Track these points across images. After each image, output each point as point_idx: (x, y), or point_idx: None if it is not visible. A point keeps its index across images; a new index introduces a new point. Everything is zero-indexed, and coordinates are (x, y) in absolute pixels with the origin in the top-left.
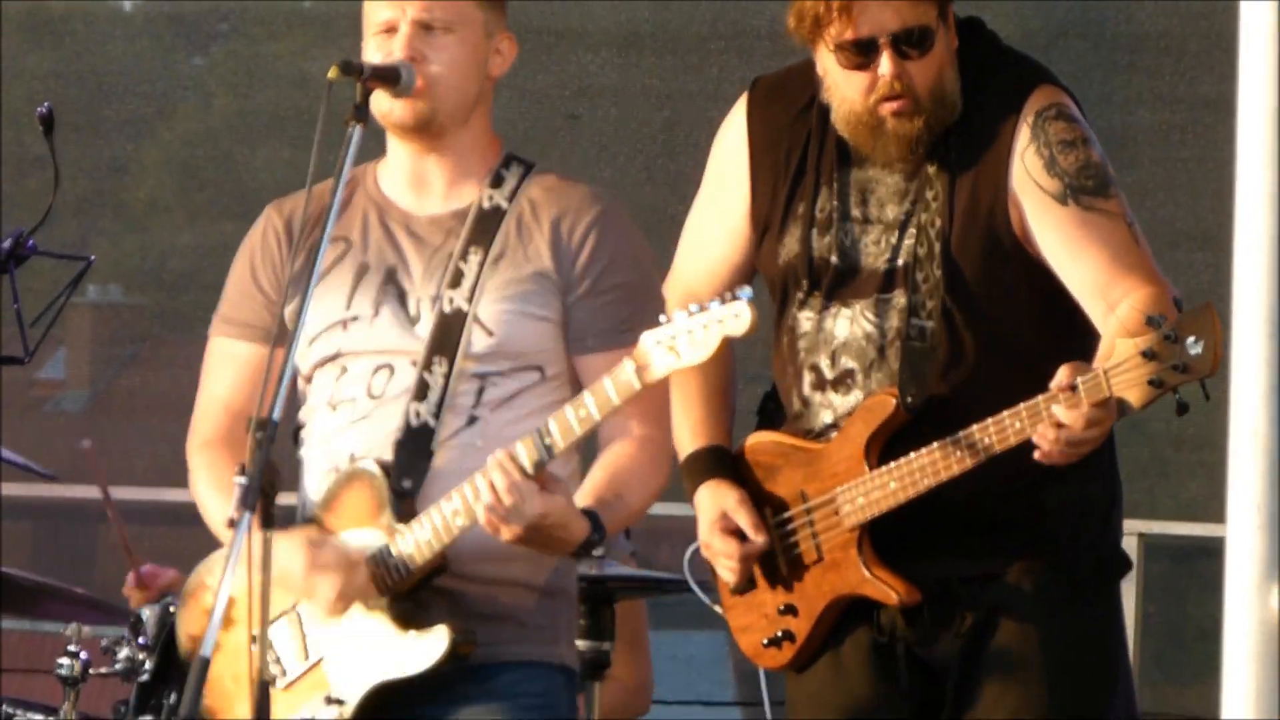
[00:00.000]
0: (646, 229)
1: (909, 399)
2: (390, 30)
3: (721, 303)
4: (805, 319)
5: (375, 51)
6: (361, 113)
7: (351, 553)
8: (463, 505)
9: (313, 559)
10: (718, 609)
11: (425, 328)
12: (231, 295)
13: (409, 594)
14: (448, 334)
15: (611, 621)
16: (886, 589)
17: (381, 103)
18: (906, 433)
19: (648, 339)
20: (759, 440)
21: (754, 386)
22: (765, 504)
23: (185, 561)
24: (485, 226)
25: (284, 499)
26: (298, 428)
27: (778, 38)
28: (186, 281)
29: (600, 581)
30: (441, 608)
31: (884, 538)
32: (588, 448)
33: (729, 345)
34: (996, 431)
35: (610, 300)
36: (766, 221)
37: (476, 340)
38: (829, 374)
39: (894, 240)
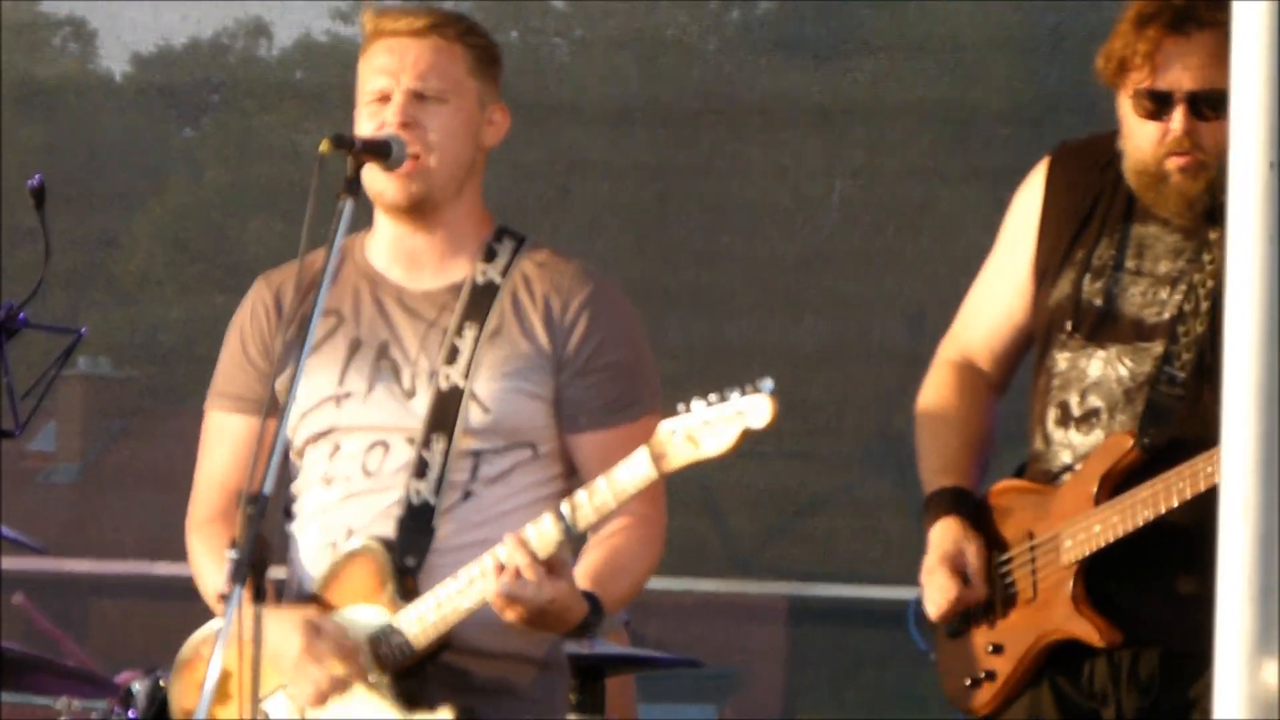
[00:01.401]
0: (638, 302)
1: (1146, 440)
2: (384, 99)
3: (742, 394)
4: (1063, 359)
5: (368, 120)
6: (353, 186)
7: (351, 633)
8: (468, 586)
9: (308, 645)
10: (932, 656)
11: (421, 403)
12: (224, 369)
13: (411, 672)
14: (445, 411)
15: (602, 695)
16: (1089, 628)
17: (375, 182)
18: (1139, 478)
19: (665, 428)
20: (1002, 485)
21: (1012, 446)
22: (993, 546)
23: (176, 635)
24: (480, 301)
25: (275, 572)
26: (289, 502)
27: (769, 111)
28: (177, 354)
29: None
30: (443, 684)
31: (1111, 585)
32: None
33: (993, 400)
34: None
35: (602, 379)
36: (1045, 268)
37: (473, 417)
38: (1075, 411)
39: (1162, 295)
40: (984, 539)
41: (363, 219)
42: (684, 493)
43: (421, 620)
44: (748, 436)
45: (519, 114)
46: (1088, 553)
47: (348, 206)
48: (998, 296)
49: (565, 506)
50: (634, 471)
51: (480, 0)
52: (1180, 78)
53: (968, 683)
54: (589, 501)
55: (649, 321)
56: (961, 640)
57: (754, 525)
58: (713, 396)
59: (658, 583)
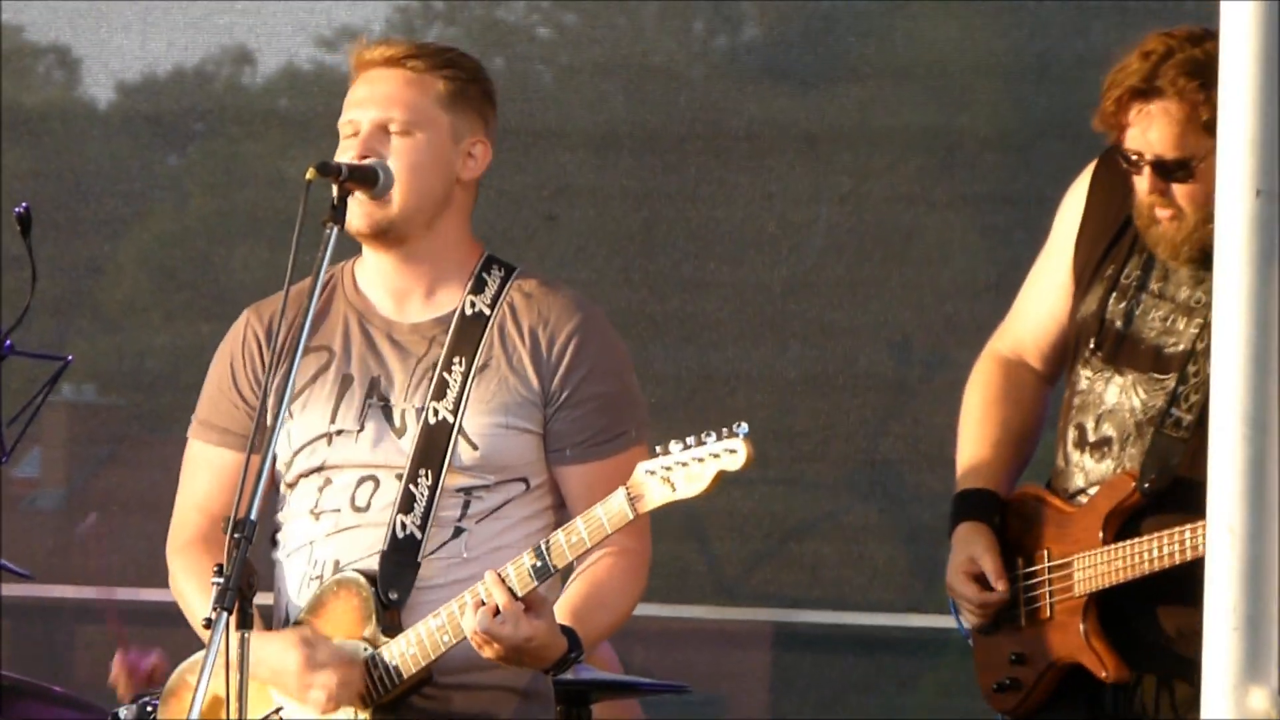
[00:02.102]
0: (624, 329)
1: (1146, 485)
2: (355, 133)
3: (719, 438)
4: (1084, 377)
5: (340, 154)
6: (339, 213)
7: (345, 653)
8: (449, 623)
9: (308, 657)
10: (970, 641)
11: (410, 439)
12: (211, 398)
13: (391, 705)
14: (433, 446)
15: None
16: (1098, 662)
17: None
18: (1148, 512)
19: (642, 470)
20: (1024, 491)
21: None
22: (1018, 553)
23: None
24: (468, 335)
25: (261, 599)
26: (274, 530)
27: (755, 138)
28: (162, 382)
29: (602, 687)
30: (421, 713)
31: (1123, 617)
32: None
33: (1042, 392)
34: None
35: (588, 411)
36: (1080, 275)
37: (462, 453)
38: (1091, 436)
39: (1180, 325)
40: (1001, 542)
41: (351, 245)
42: (670, 519)
43: (403, 655)
44: (723, 479)
45: (505, 140)
46: (1098, 588)
47: (333, 233)
48: (1044, 295)
49: (542, 546)
50: (610, 512)
51: (466, 26)
52: (1142, 144)
53: (995, 687)
54: (565, 541)
55: (635, 348)
56: (992, 639)
57: (739, 551)
58: (690, 439)
59: (643, 609)
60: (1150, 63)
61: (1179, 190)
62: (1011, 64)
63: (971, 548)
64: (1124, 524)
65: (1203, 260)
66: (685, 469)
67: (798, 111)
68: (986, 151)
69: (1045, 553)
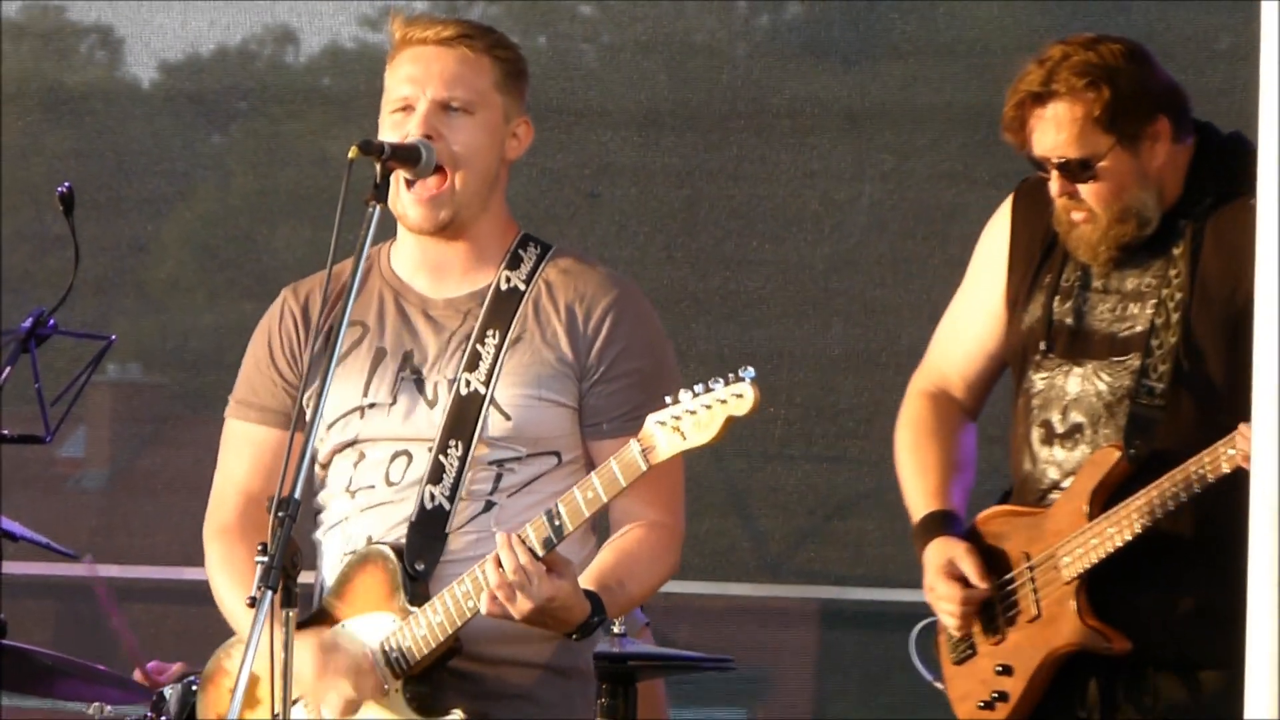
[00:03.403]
0: (666, 307)
1: (1133, 451)
2: (407, 108)
3: (726, 383)
4: (1039, 379)
5: (391, 130)
6: (381, 192)
7: (361, 650)
8: (474, 589)
9: (323, 664)
10: (939, 685)
11: (442, 410)
12: (248, 377)
13: (423, 677)
14: (464, 417)
15: (633, 702)
16: (1100, 637)
17: (399, 205)
18: (1128, 489)
19: (652, 420)
20: (990, 512)
21: (989, 447)
22: (991, 570)
23: (205, 641)
24: (503, 308)
25: (304, 578)
26: (316, 512)
27: (797, 115)
28: (206, 361)
29: (647, 662)
30: (455, 690)
31: (1105, 596)
32: (604, 527)
33: (969, 427)
34: (1210, 461)
35: (624, 386)
36: (1016, 296)
37: (493, 424)
38: (1059, 428)
39: (1133, 310)
40: (978, 553)
41: (390, 226)
42: (713, 496)
43: (429, 624)
44: (733, 424)
45: (547, 119)
46: (1087, 566)
47: (376, 212)
48: (970, 326)
49: (557, 504)
50: (624, 464)
51: (508, 4)
52: (1045, 148)
53: (980, 705)
54: (581, 498)
55: (677, 326)
56: (969, 665)
57: (783, 529)
58: (698, 387)
59: (688, 586)
60: (1046, 68)
61: (1086, 190)
62: (1053, 40)
63: (950, 552)
64: (1109, 500)
65: (1137, 253)
66: (694, 417)
67: (840, 89)
68: None
69: (1024, 555)
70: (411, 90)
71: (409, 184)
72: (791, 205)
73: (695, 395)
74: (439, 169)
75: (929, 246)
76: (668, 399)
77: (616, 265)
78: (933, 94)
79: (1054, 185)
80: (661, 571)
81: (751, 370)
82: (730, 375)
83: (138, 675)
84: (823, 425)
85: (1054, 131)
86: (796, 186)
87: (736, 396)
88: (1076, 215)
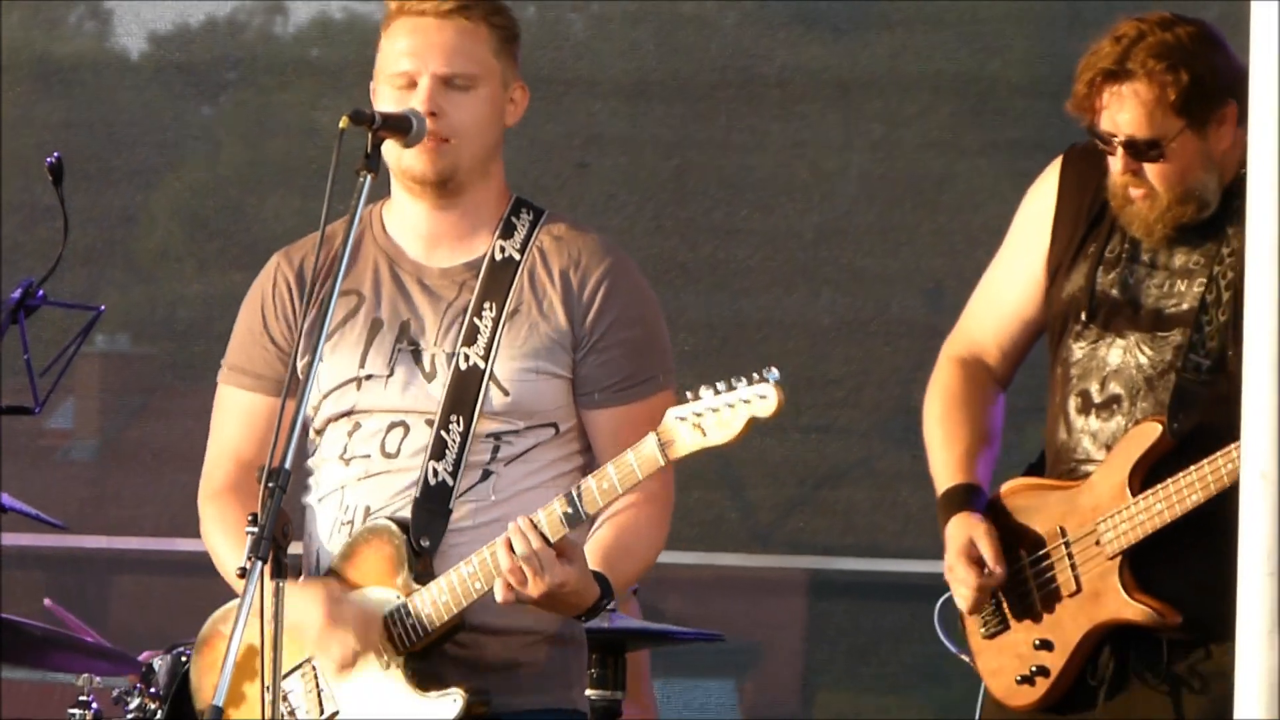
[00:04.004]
0: (656, 277)
1: (1175, 425)
2: (410, 84)
3: (749, 383)
4: (1079, 348)
5: (391, 104)
6: (372, 162)
7: (368, 609)
8: (480, 570)
9: (330, 613)
10: (965, 658)
11: (440, 385)
12: (240, 343)
13: (424, 653)
14: (464, 391)
15: (623, 671)
16: (1147, 610)
17: (401, 159)
18: (1168, 465)
19: (673, 415)
20: (1015, 484)
21: (1016, 419)
22: (1020, 544)
23: (195, 613)
24: (498, 279)
25: (295, 548)
26: (305, 476)
27: (786, 85)
28: (195, 331)
29: (637, 636)
30: (456, 664)
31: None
32: None
33: (999, 396)
34: None
35: (616, 356)
36: (1058, 263)
37: (494, 399)
38: (1096, 398)
39: (1180, 287)
40: (998, 531)
41: (381, 189)
42: (703, 467)
43: (434, 603)
44: (754, 425)
45: (536, 89)
46: (1133, 541)
47: (367, 181)
48: (1008, 292)
49: (574, 492)
50: (641, 458)
51: None
52: (1114, 125)
53: (1019, 680)
54: (596, 487)
55: (667, 296)
56: (1002, 639)
57: (773, 499)
58: (720, 385)
59: (677, 557)
60: (1121, 46)
61: (1151, 170)
62: (1043, 10)
63: (971, 531)
64: (1149, 474)
65: (1188, 231)
66: (716, 415)
67: (829, 58)
68: (1018, 98)
69: (1058, 530)
70: (413, 65)
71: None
72: (781, 175)
73: (718, 393)
74: (443, 139)
75: (918, 215)
76: (688, 394)
77: (606, 234)
78: (922, 63)
79: (1117, 162)
80: (658, 544)
81: (776, 371)
82: (754, 375)
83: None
84: (812, 395)
85: (1125, 110)
86: (786, 156)
87: (760, 397)
88: (1135, 192)
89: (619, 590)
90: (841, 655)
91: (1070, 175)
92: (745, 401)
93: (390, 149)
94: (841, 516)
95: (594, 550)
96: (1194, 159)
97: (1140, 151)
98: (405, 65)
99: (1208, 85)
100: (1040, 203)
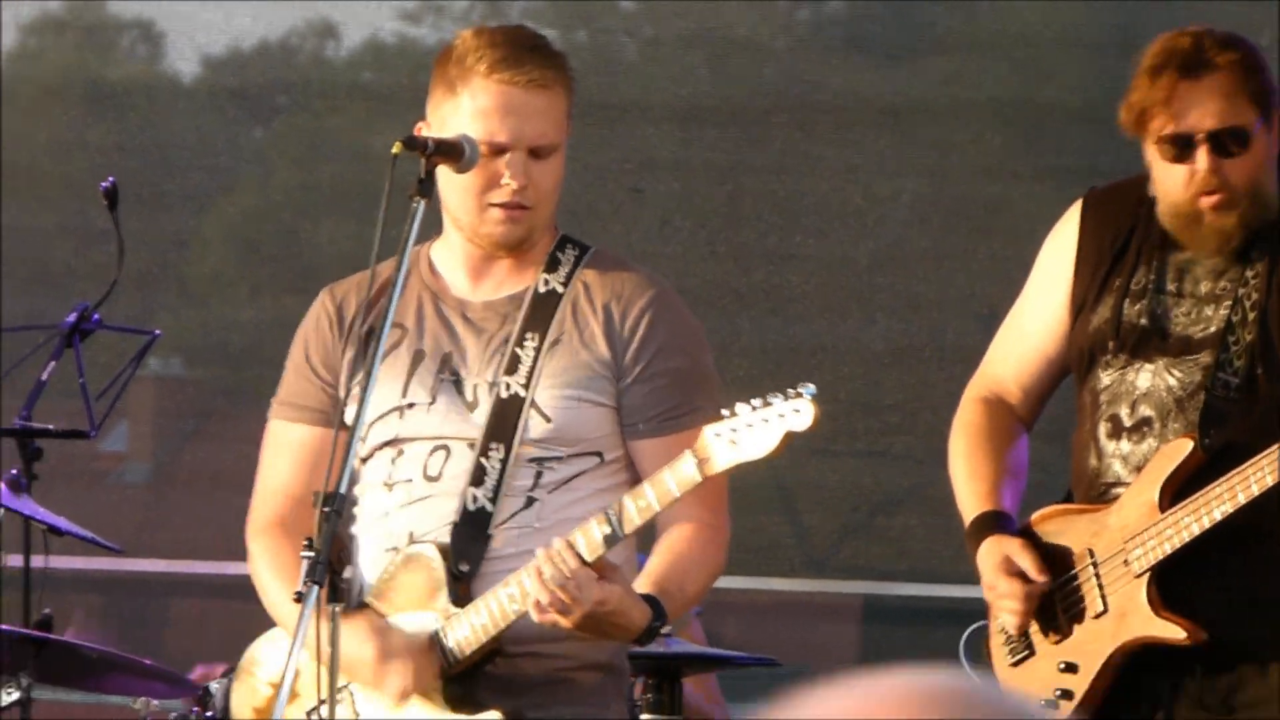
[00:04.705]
0: (709, 303)
1: (1207, 441)
2: (495, 152)
3: (785, 398)
4: (1107, 376)
5: (480, 172)
6: (425, 187)
7: (418, 640)
8: (519, 592)
9: (382, 648)
10: None
11: (482, 414)
12: (288, 380)
13: (461, 676)
14: (505, 419)
15: (679, 696)
16: (1174, 628)
17: (480, 224)
18: (1198, 482)
19: (709, 432)
20: (1045, 512)
21: (1039, 444)
22: (1049, 567)
23: (248, 637)
24: (541, 311)
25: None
26: (351, 504)
27: (840, 110)
28: (248, 356)
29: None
30: (492, 685)
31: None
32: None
33: (1023, 435)
34: None
35: (661, 386)
36: (1083, 300)
37: (534, 426)
38: (1127, 422)
39: (1207, 312)
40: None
41: (432, 223)
42: (759, 492)
43: (473, 627)
44: (791, 440)
45: (589, 114)
46: (1160, 557)
47: (420, 207)
48: (1031, 332)
49: (611, 511)
50: (679, 475)
51: (550, 1)
52: (1199, 120)
53: (1042, 704)
54: (634, 506)
55: (721, 322)
56: (1027, 665)
57: (828, 524)
58: (756, 401)
59: (732, 582)
60: (1192, 42)
61: (1232, 167)
62: (1095, 36)
63: (1005, 549)
64: (1179, 492)
65: (1212, 259)
66: (751, 430)
67: (882, 84)
68: (1071, 124)
69: (1087, 551)
70: (507, 138)
71: (484, 201)
72: (834, 200)
73: (754, 409)
74: (524, 207)
75: (971, 241)
76: (724, 412)
77: (659, 261)
78: (975, 89)
79: (1203, 160)
80: (712, 571)
81: (812, 387)
82: (790, 390)
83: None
84: (866, 421)
85: (1209, 102)
86: (839, 181)
87: (795, 412)
88: (1208, 201)
89: (673, 614)
90: None
91: (1091, 216)
92: (781, 416)
93: (461, 203)
94: (896, 542)
95: (647, 576)
96: (1264, 155)
97: (1224, 145)
98: (499, 136)
99: (1268, 80)
100: (1062, 244)
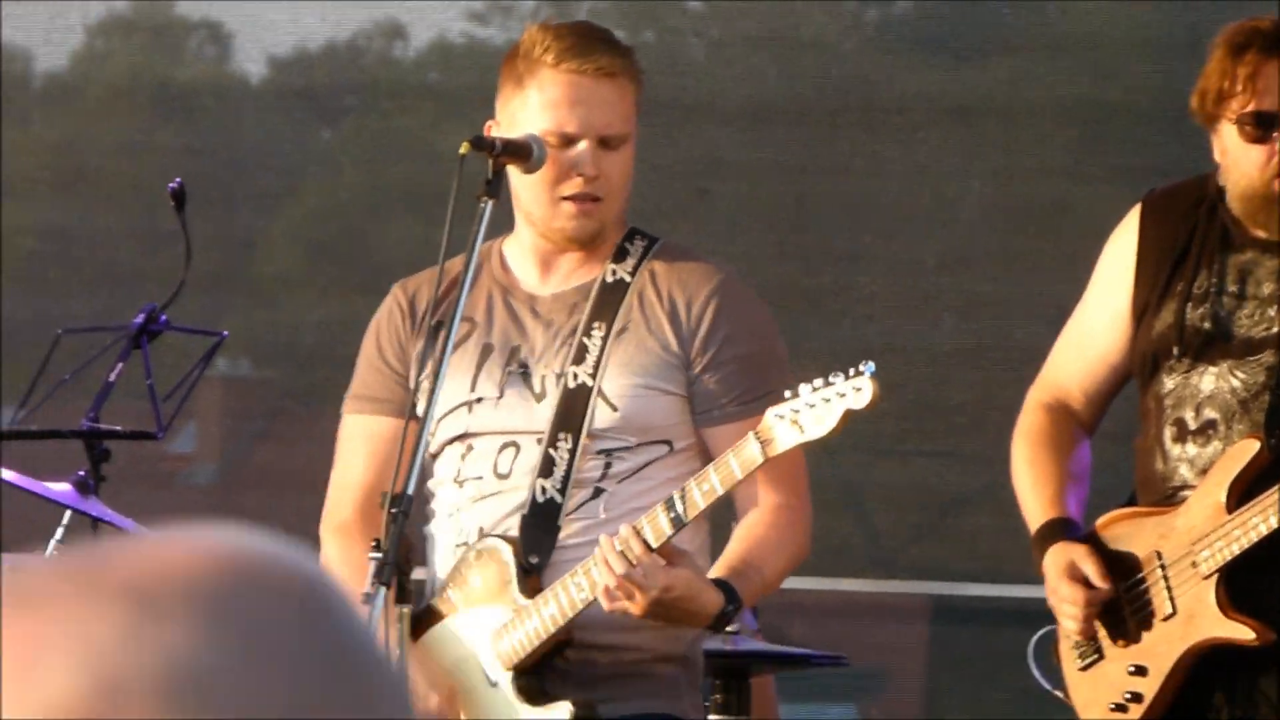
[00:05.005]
0: (777, 303)
1: (1274, 440)
2: (565, 143)
3: (845, 376)
4: (1171, 381)
5: (550, 164)
6: (493, 188)
7: (439, 659)
8: (587, 580)
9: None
10: (1059, 694)
11: (549, 404)
12: (361, 373)
13: (532, 668)
14: (572, 409)
15: (748, 695)
16: (1243, 629)
17: (552, 218)
18: (1265, 482)
19: (772, 414)
20: (1111, 516)
21: (1109, 445)
22: (1117, 571)
23: None
24: (609, 301)
25: (417, 573)
26: (425, 500)
27: (907, 110)
28: (317, 356)
29: (759, 659)
30: (564, 677)
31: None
32: (721, 517)
33: (1086, 441)
34: None
35: (731, 372)
36: (1145, 305)
37: (601, 416)
38: (1192, 425)
39: (1270, 313)
40: (1100, 556)
41: (503, 221)
42: (827, 492)
43: (542, 617)
44: (851, 418)
45: (656, 114)
46: (1228, 558)
47: (488, 208)
48: (1092, 337)
49: (674, 496)
50: (741, 457)
51: (617, 1)
52: None
53: (1112, 707)
54: (698, 490)
55: (788, 323)
56: (1095, 669)
57: (897, 524)
58: (817, 380)
59: (800, 582)
60: (1271, 26)
61: None
62: (1163, 36)
63: (1070, 554)
64: (1247, 492)
65: (1273, 257)
66: (813, 410)
67: (949, 84)
68: (1139, 124)
69: (1154, 554)
70: (577, 127)
71: (556, 194)
72: (902, 201)
73: (815, 389)
74: (596, 200)
75: (1039, 242)
76: (786, 393)
77: (727, 261)
78: (1043, 89)
79: None
80: (793, 553)
81: (871, 365)
82: (850, 369)
83: None
84: (935, 421)
85: None
86: (907, 182)
87: (856, 390)
88: None
89: (749, 599)
90: (967, 681)
91: (1151, 219)
92: (841, 395)
93: (533, 199)
94: (966, 542)
95: (723, 562)
96: None
97: None
98: (568, 126)
99: None
100: (1122, 248)
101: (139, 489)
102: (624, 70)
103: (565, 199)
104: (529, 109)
